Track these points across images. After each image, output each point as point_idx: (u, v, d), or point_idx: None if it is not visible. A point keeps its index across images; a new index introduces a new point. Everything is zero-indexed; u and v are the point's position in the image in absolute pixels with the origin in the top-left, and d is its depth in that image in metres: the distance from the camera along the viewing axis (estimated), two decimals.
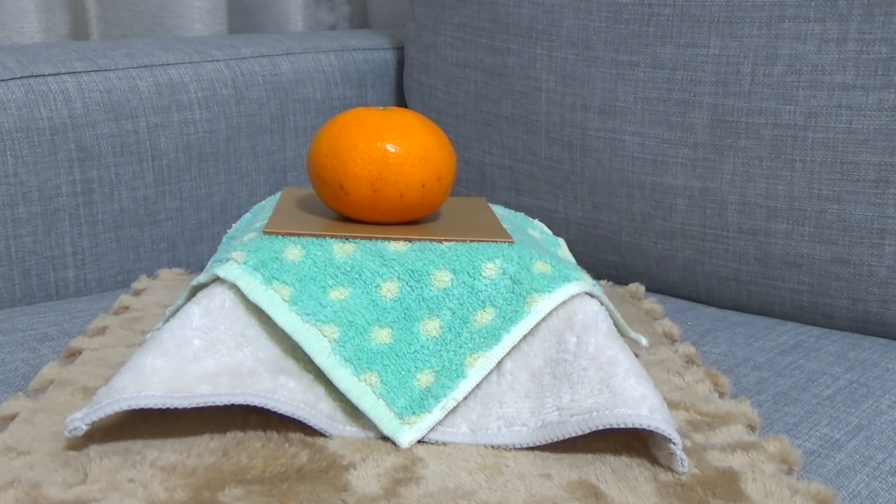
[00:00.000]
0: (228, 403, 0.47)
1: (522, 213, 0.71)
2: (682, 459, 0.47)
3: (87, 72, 0.84)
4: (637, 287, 0.79)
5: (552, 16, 0.87)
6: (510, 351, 0.51)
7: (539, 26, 0.88)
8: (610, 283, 0.83)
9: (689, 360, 0.64)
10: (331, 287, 0.52)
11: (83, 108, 0.83)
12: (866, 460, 0.55)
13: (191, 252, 0.92)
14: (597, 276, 0.89)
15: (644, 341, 0.63)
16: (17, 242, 0.80)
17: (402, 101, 1.08)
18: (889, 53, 0.70)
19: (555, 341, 0.51)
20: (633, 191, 0.83)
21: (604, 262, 0.88)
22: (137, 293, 0.75)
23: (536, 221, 0.70)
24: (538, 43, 0.88)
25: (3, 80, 0.79)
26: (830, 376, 0.65)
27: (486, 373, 0.50)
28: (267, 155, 0.97)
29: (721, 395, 0.59)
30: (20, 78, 0.80)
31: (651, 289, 0.85)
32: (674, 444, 0.47)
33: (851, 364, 0.67)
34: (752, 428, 0.55)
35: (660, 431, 0.47)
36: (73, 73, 0.83)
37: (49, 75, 0.82)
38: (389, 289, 0.52)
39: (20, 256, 0.81)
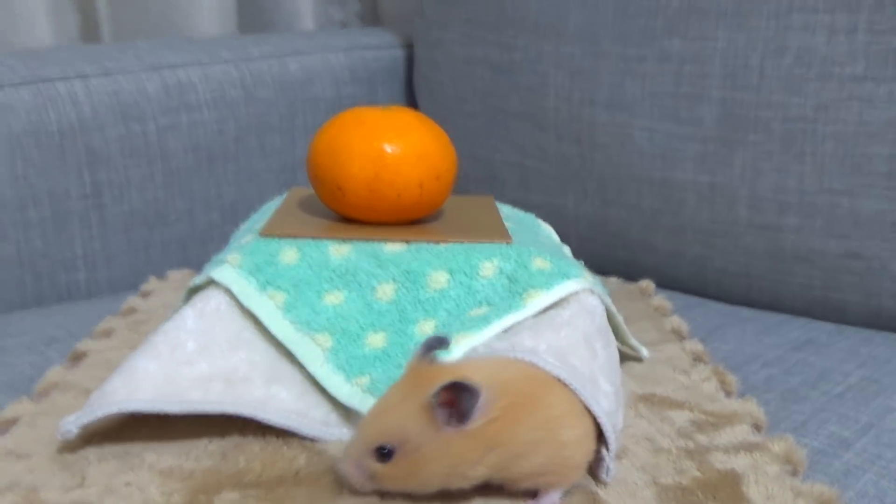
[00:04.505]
0: (219, 412, 0.47)
1: (532, 215, 0.70)
2: (608, 468, 0.46)
3: (95, 75, 0.84)
4: (647, 284, 0.79)
5: (559, 10, 0.86)
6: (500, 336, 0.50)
7: (546, 21, 0.87)
8: (619, 279, 0.82)
9: (697, 358, 0.63)
10: (326, 291, 0.51)
11: (92, 111, 0.83)
12: (875, 459, 0.54)
13: (202, 253, 0.92)
14: (606, 272, 0.88)
15: (644, 352, 0.62)
16: (28, 245, 0.81)
17: (412, 99, 1.07)
18: None
19: (545, 315, 0.50)
20: (642, 186, 0.82)
21: (613, 258, 0.87)
22: (146, 295, 0.75)
23: (545, 226, 0.69)
24: (545, 38, 0.87)
25: (12, 85, 0.80)
26: (841, 373, 0.64)
27: (468, 349, 0.49)
28: (276, 154, 0.97)
29: (727, 393, 0.58)
30: (28, 83, 0.81)
31: (661, 285, 0.84)
32: (607, 447, 0.46)
33: (863, 360, 0.66)
34: (757, 428, 0.54)
35: (579, 394, 0.44)
36: (81, 76, 0.84)
37: (57, 79, 0.82)
38: (385, 291, 0.52)
39: (31, 259, 0.81)
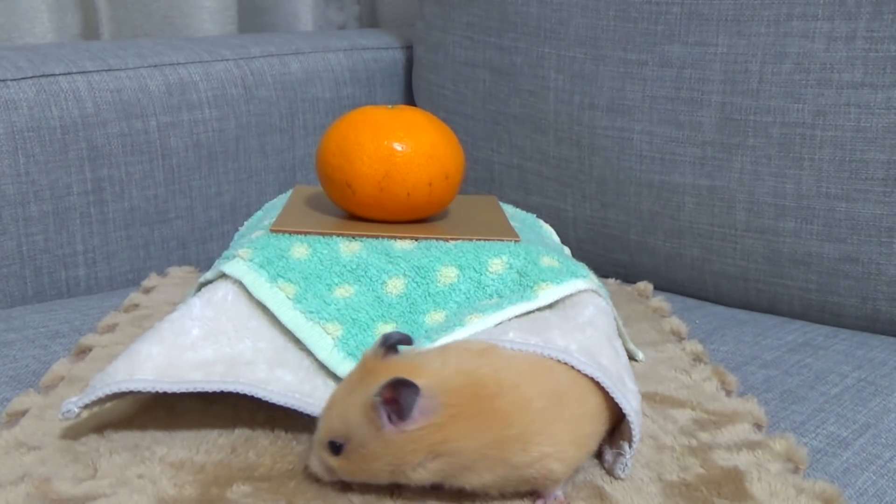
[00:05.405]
0: (219, 390, 0.47)
1: (533, 215, 0.71)
2: (626, 464, 0.46)
3: (97, 71, 0.85)
4: (645, 285, 0.79)
5: (560, 15, 0.87)
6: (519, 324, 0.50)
7: (547, 25, 0.88)
8: (618, 281, 0.83)
9: (697, 358, 0.64)
10: (336, 285, 0.52)
11: (94, 108, 0.84)
12: (873, 458, 0.55)
13: (201, 250, 0.93)
14: (605, 274, 0.89)
15: (641, 356, 0.62)
16: (29, 241, 0.81)
17: (410, 100, 1.08)
18: None
19: (567, 314, 0.51)
20: (641, 189, 0.83)
21: (612, 260, 0.88)
22: (147, 291, 0.75)
23: (547, 227, 0.70)
24: (546, 42, 0.88)
25: (14, 80, 0.80)
26: (838, 374, 0.65)
27: (482, 328, 0.49)
28: (276, 154, 0.97)
29: (728, 393, 0.59)
30: (31, 77, 0.81)
31: (659, 287, 0.85)
32: (631, 443, 0.46)
33: (860, 362, 0.67)
34: (758, 426, 0.55)
35: (627, 415, 0.46)
36: (83, 72, 0.84)
37: (60, 75, 0.82)
38: (395, 285, 0.52)
39: (32, 255, 0.81)
